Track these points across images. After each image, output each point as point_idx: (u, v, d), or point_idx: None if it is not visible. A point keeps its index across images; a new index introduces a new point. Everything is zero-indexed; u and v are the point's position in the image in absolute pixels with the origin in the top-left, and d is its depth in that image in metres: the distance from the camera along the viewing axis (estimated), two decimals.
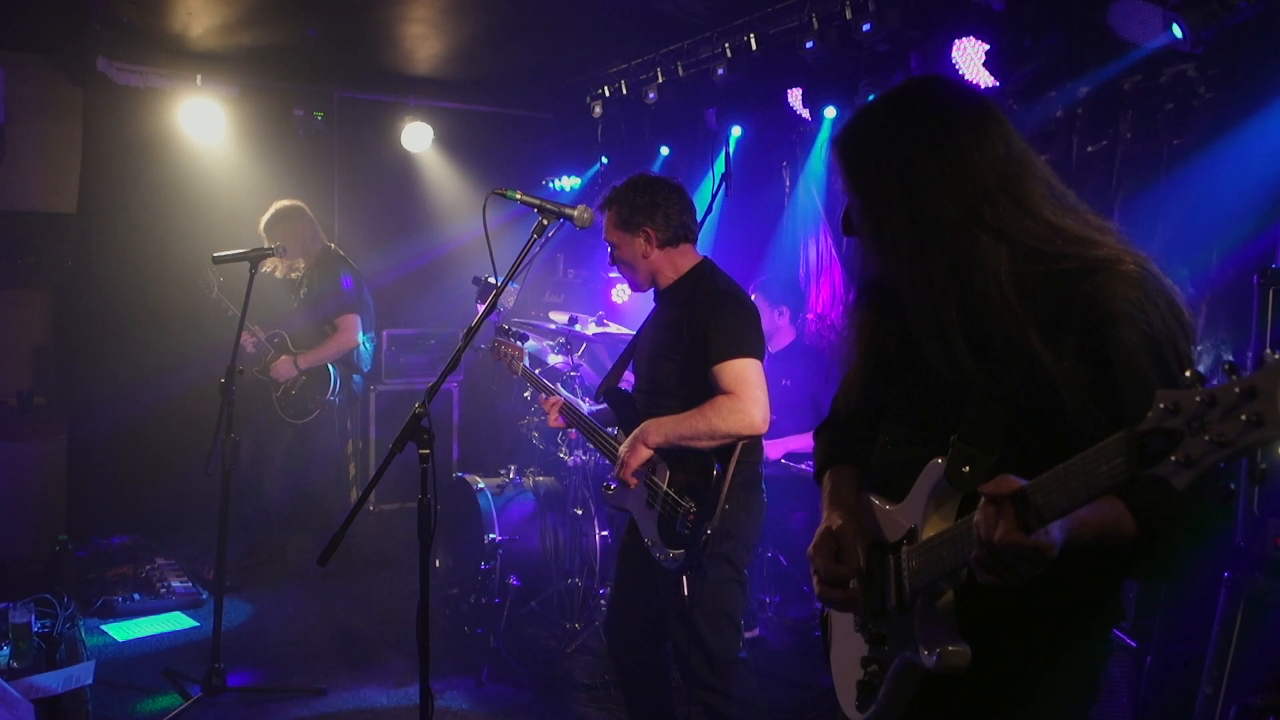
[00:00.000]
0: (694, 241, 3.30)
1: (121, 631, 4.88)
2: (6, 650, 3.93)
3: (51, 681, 3.73)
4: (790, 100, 5.46)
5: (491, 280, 4.10)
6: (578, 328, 4.89)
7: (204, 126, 6.42)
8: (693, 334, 3.09)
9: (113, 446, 6.34)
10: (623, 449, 3.18)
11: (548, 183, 7.68)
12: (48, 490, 5.95)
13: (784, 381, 5.05)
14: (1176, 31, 3.50)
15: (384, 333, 6.76)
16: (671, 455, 3.10)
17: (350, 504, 3.68)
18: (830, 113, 5.40)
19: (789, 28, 5.28)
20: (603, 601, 4.68)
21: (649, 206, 3.20)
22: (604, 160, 7.19)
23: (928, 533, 1.64)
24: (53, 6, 5.62)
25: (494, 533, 4.84)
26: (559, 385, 3.83)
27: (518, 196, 2.86)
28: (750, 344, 3.06)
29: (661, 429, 3.09)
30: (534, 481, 5.19)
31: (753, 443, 3.13)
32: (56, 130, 6.38)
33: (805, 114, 5.41)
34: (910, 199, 1.62)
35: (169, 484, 6.28)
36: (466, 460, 7.00)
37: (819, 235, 5.97)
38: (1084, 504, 1.32)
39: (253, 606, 5.30)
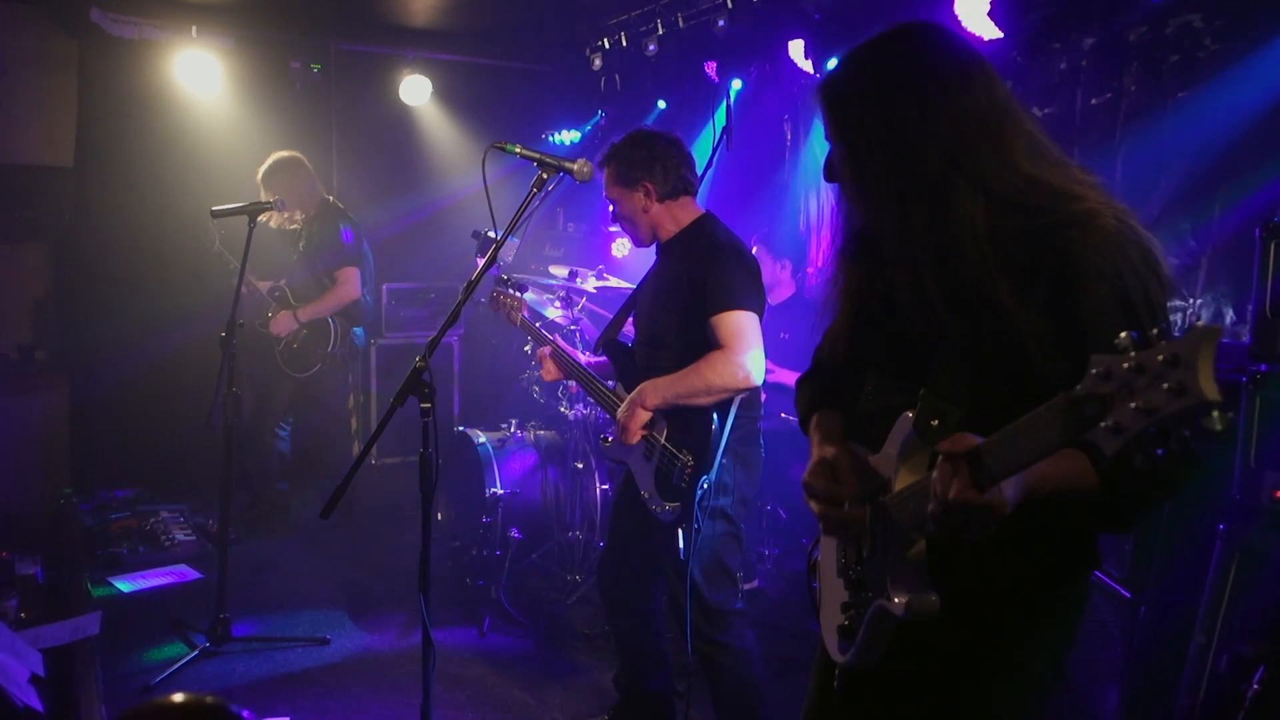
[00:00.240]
0: (694, 194, 3.29)
1: (127, 583, 4.93)
2: (14, 601, 3.97)
3: (59, 632, 3.77)
4: (791, 52, 5.40)
5: (491, 234, 4.09)
6: (578, 282, 4.88)
7: (200, 79, 6.35)
8: (693, 286, 3.08)
9: (115, 400, 6.35)
10: (621, 412, 3.19)
11: (547, 136, 7.62)
12: (51, 444, 5.98)
13: (782, 335, 5.05)
14: None
15: (384, 286, 6.74)
16: (670, 409, 3.12)
17: (352, 457, 3.69)
18: (833, 65, 5.32)
19: None
20: None
21: (647, 160, 3.19)
22: (601, 114, 7.11)
23: (899, 485, 1.66)
24: None
25: (495, 486, 4.88)
26: (557, 337, 3.84)
27: (517, 150, 2.84)
28: (747, 296, 3.04)
29: (658, 390, 3.09)
30: (535, 435, 5.22)
31: (751, 396, 3.14)
32: (51, 83, 6.31)
33: (808, 66, 5.35)
34: (891, 145, 1.62)
35: (172, 437, 6.30)
36: (467, 414, 7.02)
37: (820, 189, 5.93)
38: (1032, 464, 1.33)
39: (256, 558, 5.35)
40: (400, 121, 7.34)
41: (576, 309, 4.85)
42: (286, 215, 5.53)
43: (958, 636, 1.67)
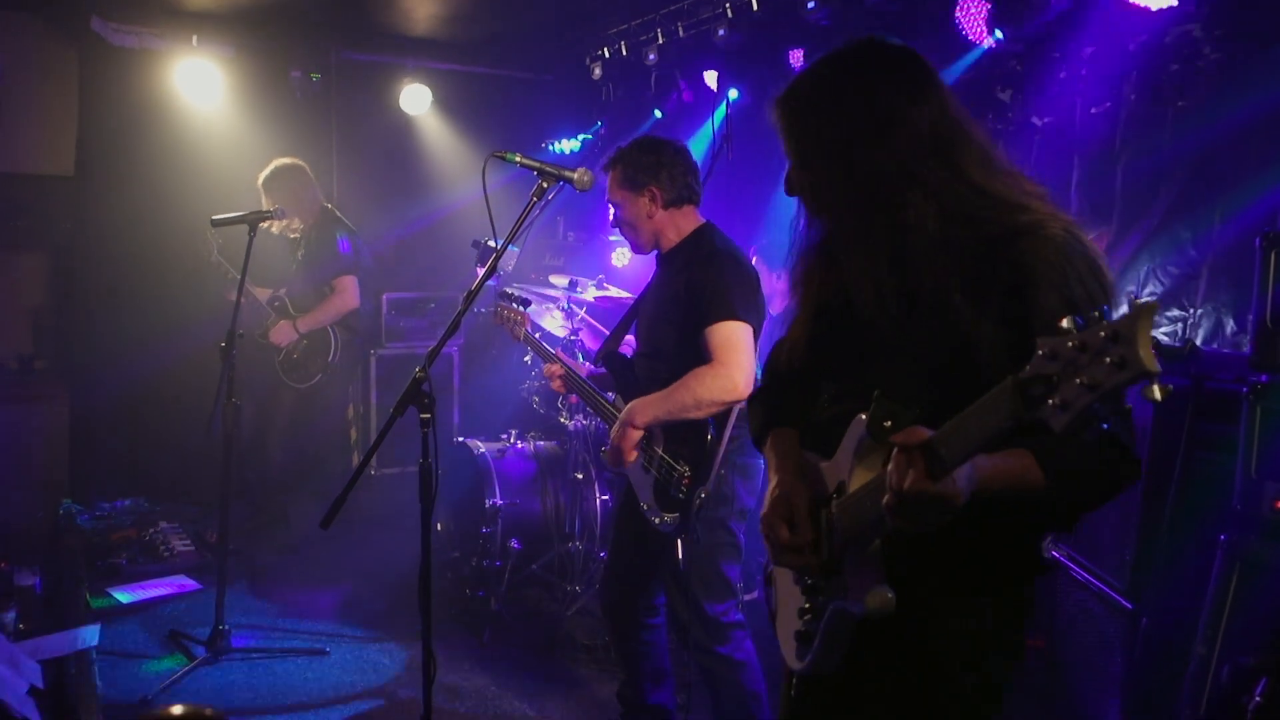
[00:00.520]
0: (697, 204, 3.28)
1: (126, 594, 4.92)
2: (13, 612, 3.96)
3: (58, 643, 3.76)
4: (792, 62, 5.40)
5: (491, 243, 4.08)
6: (578, 291, 4.88)
7: (200, 88, 6.35)
8: (691, 296, 3.08)
9: (115, 410, 6.34)
10: (613, 433, 3.18)
11: (547, 145, 7.62)
12: (50, 454, 5.96)
13: None
14: None
15: (383, 296, 6.73)
16: (667, 421, 3.10)
17: (352, 468, 3.69)
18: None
19: None
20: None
21: (654, 166, 3.18)
22: (601, 123, 7.12)
23: (854, 486, 1.69)
24: None
25: (495, 497, 4.86)
26: (559, 350, 3.83)
27: (517, 159, 2.85)
28: (742, 307, 3.02)
29: (648, 409, 3.08)
30: (535, 446, 5.21)
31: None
32: (51, 92, 6.32)
33: None
34: (845, 157, 1.68)
35: (171, 447, 6.29)
36: (467, 424, 7.01)
37: None
38: (982, 447, 1.38)
39: (255, 569, 5.34)
40: (400, 130, 7.35)
41: (576, 319, 4.84)
42: (286, 222, 5.53)
43: (909, 641, 1.71)
